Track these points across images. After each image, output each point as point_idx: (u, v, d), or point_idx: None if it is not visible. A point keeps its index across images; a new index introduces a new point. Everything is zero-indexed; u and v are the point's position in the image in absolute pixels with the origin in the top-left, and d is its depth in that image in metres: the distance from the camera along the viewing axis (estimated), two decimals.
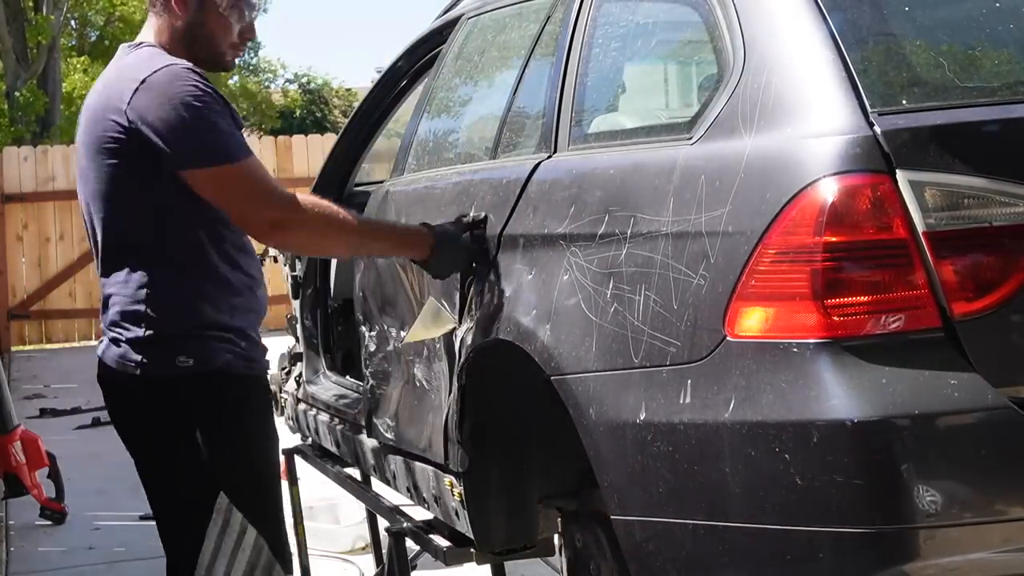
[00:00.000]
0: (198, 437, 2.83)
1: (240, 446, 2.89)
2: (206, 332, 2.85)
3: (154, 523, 2.97)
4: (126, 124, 2.73)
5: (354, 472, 4.45)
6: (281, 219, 2.77)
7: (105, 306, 2.91)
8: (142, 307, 2.84)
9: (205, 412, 2.85)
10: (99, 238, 2.90)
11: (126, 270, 2.85)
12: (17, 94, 20.24)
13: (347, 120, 4.87)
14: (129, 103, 2.72)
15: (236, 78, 28.41)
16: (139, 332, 2.83)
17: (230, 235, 2.87)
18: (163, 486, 2.93)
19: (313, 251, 2.97)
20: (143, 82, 2.72)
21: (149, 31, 2.95)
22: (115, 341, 2.88)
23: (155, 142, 2.71)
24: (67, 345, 12.74)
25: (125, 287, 2.85)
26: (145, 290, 2.83)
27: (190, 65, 2.78)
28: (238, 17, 2.93)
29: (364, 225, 2.98)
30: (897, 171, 2.19)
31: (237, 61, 3.11)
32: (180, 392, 2.83)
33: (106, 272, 2.89)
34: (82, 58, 24.35)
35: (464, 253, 3.01)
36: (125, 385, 2.88)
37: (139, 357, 2.84)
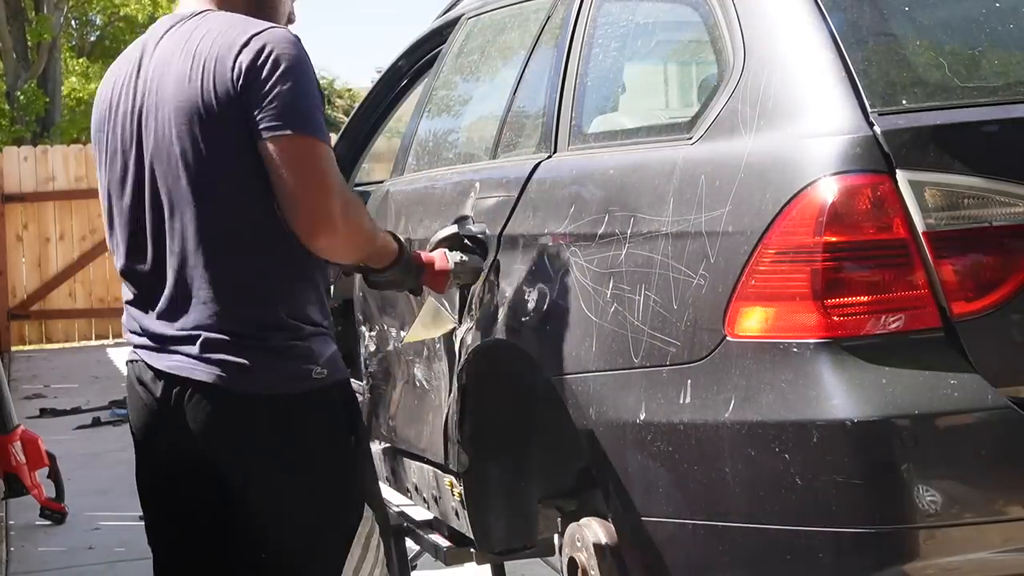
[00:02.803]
0: (325, 458, 2.51)
1: (357, 468, 2.60)
2: (326, 334, 2.53)
3: None
4: (232, 89, 2.40)
5: None
6: (339, 220, 2.42)
7: (179, 306, 2.46)
8: (262, 307, 2.45)
9: (339, 429, 2.54)
10: (177, 223, 2.46)
11: (229, 261, 2.45)
12: (17, 94, 20.24)
13: (348, 120, 4.87)
14: (235, 64, 2.40)
15: None
16: (260, 338, 2.44)
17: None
18: (260, 524, 2.51)
19: (335, 259, 2.58)
20: (248, 43, 2.42)
21: (202, 2, 2.59)
22: (211, 349, 2.43)
23: (253, 102, 2.39)
24: (67, 345, 12.73)
25: (225, 281, 2.44)
26: (261, 285, 2.46)
27: (292, 32, 2.50)
28: None
29: (376, 236, 2.66)
30: (897, 171, 2.19)
31: None
32: (311, 409, 2.49)
33: (187, 264, 2.46)
34: (81, 60, 24.34)
35: (410, 283, 2.84)
36: (230, 405, 2.45)
37: (265, 370, 2.44)
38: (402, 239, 2.78)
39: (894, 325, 2.18)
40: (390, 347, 3.66)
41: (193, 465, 2.52)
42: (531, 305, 2.79)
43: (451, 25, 3.98)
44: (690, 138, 2.49)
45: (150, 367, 2.52)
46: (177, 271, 2.47)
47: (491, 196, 3.11)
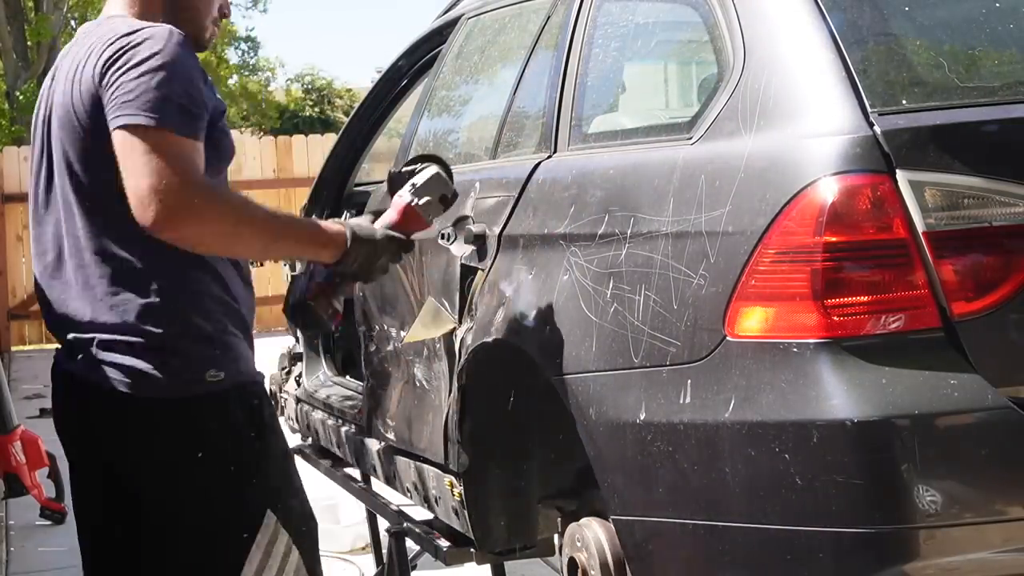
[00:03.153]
0: (220, 463, 2.47)
1: (265, 470, 2.53)
2: (228, 334, 2.48)
3: None
4: (94, 87, 2.37)
5: (354, 472, 4.45)
6: (187, 209, 2.26)
7: (79, 310, 2.46)
8: (153, 308, 2.41)
9: (237, 434, 2.48)
10: (72, 228, 2.46)
11: (116, 262, 2.42)
12: (17, 94, 20.24)
13: (348, 120, 4.88)
14: (97, 62, 2.37)
15: (236, 78, 28.40)
16: (152, 340, 2.41)
17: None
18: (158, 529, 2.51)
19: (217, 250, 2.41)
20: (126, 35, 2.38)
21: (119, 6, 2.56)
22: (105, 350, 2.43)
23: (107, 96, 2.34)
24: None
25: (120, 284, 2.42)
26: (148, 285, 2.41)
27: (173, 29, 2.40)
28: None
29: (275, 223, 2.44)
30: (897, 171, 2.19)
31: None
32: (205, 413, 2.45)
33: (82, 266, 2.45)
34: None
35: (381, 257, 2.57)
36: (124, 410, 2.44)
37: (156, 373, 2.41)
38: (347, 220, 2.62)
39: (894, 325, 2.18)
40: (390, 347, 3.66)
41: (97, 469, 2.54)
42: (531, 305, 2.79)
43: (451, 25, 3.98)
44: (690, 138, 2.49)
45: (62, 369, 2.55)
46: (74, 275, 2.47)
47: (491, 196, 3.11)
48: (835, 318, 2.18)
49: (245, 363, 2.52)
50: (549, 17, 3.25)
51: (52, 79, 2.56)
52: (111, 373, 2.43)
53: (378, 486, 4.18)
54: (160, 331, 2.42)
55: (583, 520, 2.85)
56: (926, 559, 2.13)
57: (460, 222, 3.13)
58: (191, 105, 2.35)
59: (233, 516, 2.49)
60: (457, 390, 3.10)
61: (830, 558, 2.17)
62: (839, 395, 2.15)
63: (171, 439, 2.45)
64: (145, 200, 2.27)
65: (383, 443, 3.75)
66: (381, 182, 4.16)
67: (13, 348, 12.43)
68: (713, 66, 2.58)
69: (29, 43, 20.78)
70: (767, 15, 2.50)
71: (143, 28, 2.41)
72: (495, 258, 3.00)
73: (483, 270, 3.04)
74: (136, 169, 2.28)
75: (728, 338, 2.28)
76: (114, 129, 2.32)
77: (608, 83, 3.08)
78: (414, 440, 3.47)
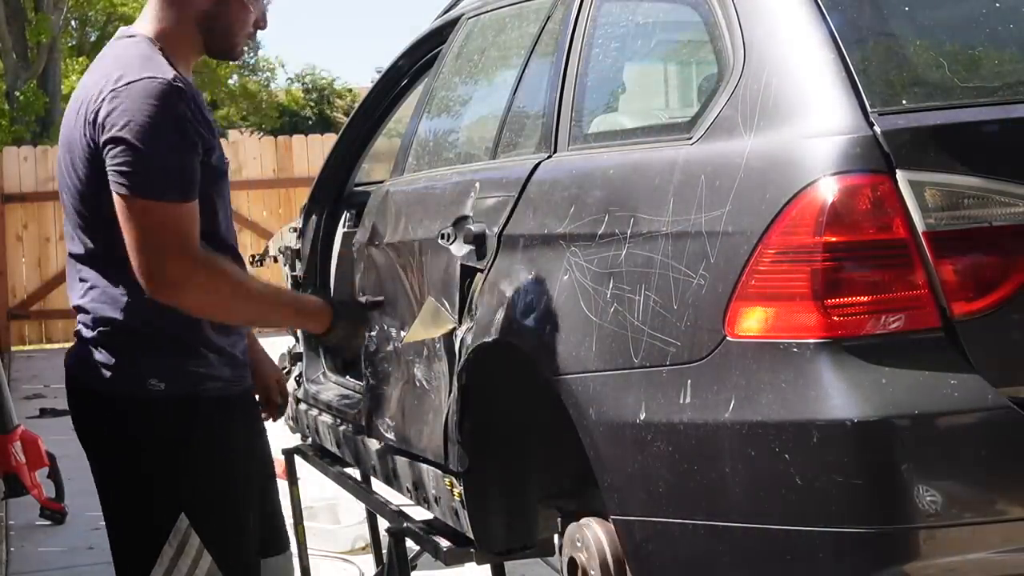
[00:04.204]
0: (163, 462, 2.68)
1: (204, 470, 2.70)
2: (181, 346, 2.66)
3: None
4: (92, 129, 2.54)
5: (354, 472, 4.45)
6: (184, 278, 2.52)
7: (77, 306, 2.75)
8: (113, 315, 2.65)
9: (163, 443, 2.67)
10: (69, 226, 2.72)
11: (89, 272, 2.67)
12: (17, 94, 20.25)
13: (348, 119, 4.88)
14: (99, 108, 2.53)
15: (236, 78, 28.40)
16: (107, 337, 2.65)
17: (214, 240, 2.66)
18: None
19: (208, 316, 2.64)
20: (115, 90, 2.52)
21: (147, 20, 2.71)
22: (79, 342, 2.73)
23: (106, 154, 2.51)
24: (67, 345, 12.61)
25: (90, 288, 2.67)
26: (110, 297, 2.64)
27: (171, 79, 2.53)
28: (256, 5, 2.73)
29: (266, 297, 2.75)
30: (897, 171, 2.19)
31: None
32: (138, 416, 2.67)
33: (73, 272, 2.73)
34: (82, 58, 24.34)
35: (362, 329, 3.04)
36: (78, 397, 2.78)
37: (104, 369, 2.66)
38: (334, 302, 2.95)
39: (894, 325, 2.18)
40: (390, 347, 3.66)
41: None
42: (531, 305, 2.79)
43: (451, 25, 3.98)
44: (690, 138, 2.49)
45: None
46: (67, 269, 2.76)
47: (491, 196, 3.11)
48: (835, 318, 2.18)
49: (189, 377, 2.68)
50: (549, 17, 3.25)
51: (80, 87, 2.71)
52: (74, 363, 2.74)
53: (378, 486, 4.18)
54: (116, 331, 2.65)
55: (583, 520, 2.85)
56: (926, 559, 2.13)
57: (460, 222, 3.13)
58: (181, 168, 2.53)
59: (143, 515, 2.70)
60: (457, 390, 3.10)
61: (830, 558, 2.17)
62: (839, 395, 2.15)
63: (107, 432, 2.72)
64: (143, 272, 2.52)
65: (383, 443, 3.74)
66: (381, 182, 4.17)
67: (13, 348, 12.43)
68: (713, 66, 2.58)
69: (29, 43, 20.77)
70: (767, 15, 2.50)
71: (136, 82, 2.52)
72: (495, 258, 3.00)
73: (483, 270, 3.04)
74: (132, 240, 2.51)
75: (728, 338, 2.28)
76: (113, 192, 2.52)
77: (608, 83, 3.08)
78: (414, 440, 3.47)
